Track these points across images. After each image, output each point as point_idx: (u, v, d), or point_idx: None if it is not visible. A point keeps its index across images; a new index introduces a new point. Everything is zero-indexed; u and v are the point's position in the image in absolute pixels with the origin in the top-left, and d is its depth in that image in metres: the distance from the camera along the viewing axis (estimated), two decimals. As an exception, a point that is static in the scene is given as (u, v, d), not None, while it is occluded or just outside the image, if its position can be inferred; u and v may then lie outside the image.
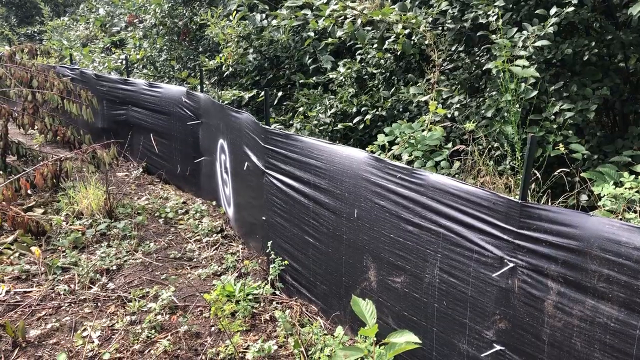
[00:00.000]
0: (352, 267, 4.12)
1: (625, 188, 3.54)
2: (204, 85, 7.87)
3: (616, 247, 2.59)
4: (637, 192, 3.43)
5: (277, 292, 4.90)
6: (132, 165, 8.83)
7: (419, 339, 2.11)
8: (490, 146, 5.31)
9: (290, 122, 8.26)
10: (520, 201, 2.93)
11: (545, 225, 2.85)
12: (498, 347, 3.14)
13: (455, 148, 5.29)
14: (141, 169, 8.55)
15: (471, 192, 3.19)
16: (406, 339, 2.08)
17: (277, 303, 4.72)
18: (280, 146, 4.75)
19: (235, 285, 4.78)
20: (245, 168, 5.55)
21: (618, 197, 3.51)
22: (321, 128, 7.48)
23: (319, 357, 3.75)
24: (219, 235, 6.20)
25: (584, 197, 4.80)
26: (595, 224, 2.68)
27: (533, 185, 4.66)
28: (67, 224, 6.35)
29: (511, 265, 3.01)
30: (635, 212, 3.63)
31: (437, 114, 5.73)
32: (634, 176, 3.75)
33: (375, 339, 2.30)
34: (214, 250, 5.87)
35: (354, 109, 7.35)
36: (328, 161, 4.22)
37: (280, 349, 4.03)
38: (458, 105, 6.05)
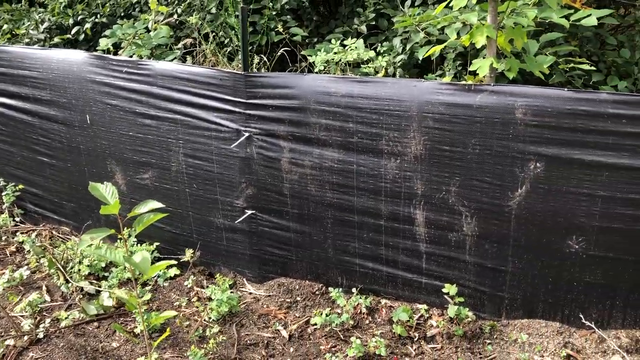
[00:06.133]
0: (97, 176, 3.95)
1: (334, 53, 3.98)
2: None
3: (328, 98, 2.94)
4: (343, 55, 3.90)
5: (20, 222, 4.48)
6: None
7: (163, 205, 2.17)
8: (219, 41, 5.38)
9: (-4, 43, 7.20)
10: (243, 72, 3.10)
11: (269, 91, 3.08)
12: (249, 212, 3.40)
13: (183, 42, 5.26)
14: None
15: (198, 73, 3.25)
16: (150, 207, 2.13)
17: (21, 233, 4.33)
18: (-16, 62, 4.16)
19: (-37, 227, 4.22)
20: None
21: (329, 61, 3.94)
22: (36, 46, 6.69)
23: (79, 269, 3.62)
24: None
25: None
26: (309, 80, 2.99)
27: (263, 70, 4.92)
28: None
29: (247, 135, 3.22)
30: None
31: (160, 13, 5.56)
32: (339, 44, 4.23)
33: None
34: None
35: (71, 21, 6.71)
36: (45, 69, 3.85)
37: (35, 274, 3.76)
38: (182, 5, 5.93)
